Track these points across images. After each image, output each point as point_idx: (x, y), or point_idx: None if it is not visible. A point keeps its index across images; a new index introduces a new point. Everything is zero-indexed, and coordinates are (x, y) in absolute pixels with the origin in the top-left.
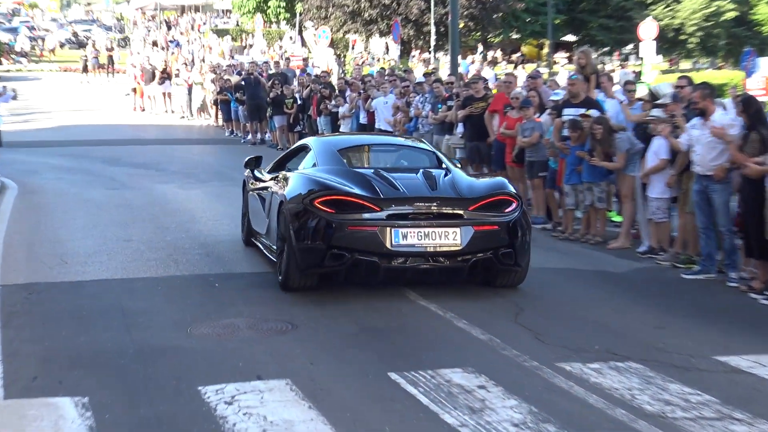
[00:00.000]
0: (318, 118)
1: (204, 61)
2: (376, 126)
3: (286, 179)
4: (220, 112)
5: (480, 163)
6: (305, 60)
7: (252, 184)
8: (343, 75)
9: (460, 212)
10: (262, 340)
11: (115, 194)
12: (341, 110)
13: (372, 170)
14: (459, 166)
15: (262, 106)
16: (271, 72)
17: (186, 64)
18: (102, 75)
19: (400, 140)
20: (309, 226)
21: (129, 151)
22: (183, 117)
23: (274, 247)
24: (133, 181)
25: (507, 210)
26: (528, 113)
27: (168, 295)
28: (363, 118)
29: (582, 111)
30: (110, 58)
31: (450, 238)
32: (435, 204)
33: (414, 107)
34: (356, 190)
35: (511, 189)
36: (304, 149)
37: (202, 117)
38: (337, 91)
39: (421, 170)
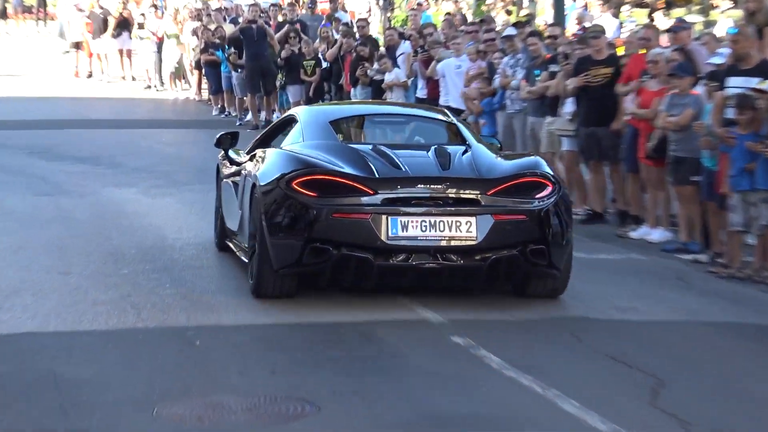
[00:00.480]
0: (352, 90)
1: (182, 7)
2: (442, 100)
3: (261, 158)
4: (204, 80)
5: (600, 159)
6: (334, 2)
7: (225, 168)
8: (390, 25)
9: (477, 197)
10: (266, 428)
11: (48, 203)
12: (388, 77)
13: (370, 146)
14: (498, 145)
15: (269, 70)
16: (282, 19)
17: (155, 6)
18: (29, 22)
19: (413, 110)
20: (285, 213)
21: (68, 138)
22: (150, 87)
23: (247, 246)
24: (73, 184)
25: (538, 195)
26: (682, 84)
27: (124, 357)
28: (422, 90)
29: (755, 81)
30: None
31: (463, 230)
32: (444, 186)
33: (500, 74)
34: (345, 169)
35: (546, 169)
36: (292, 122)
37: (178, 87)
38: (381, 48)
39: (434, 147)
